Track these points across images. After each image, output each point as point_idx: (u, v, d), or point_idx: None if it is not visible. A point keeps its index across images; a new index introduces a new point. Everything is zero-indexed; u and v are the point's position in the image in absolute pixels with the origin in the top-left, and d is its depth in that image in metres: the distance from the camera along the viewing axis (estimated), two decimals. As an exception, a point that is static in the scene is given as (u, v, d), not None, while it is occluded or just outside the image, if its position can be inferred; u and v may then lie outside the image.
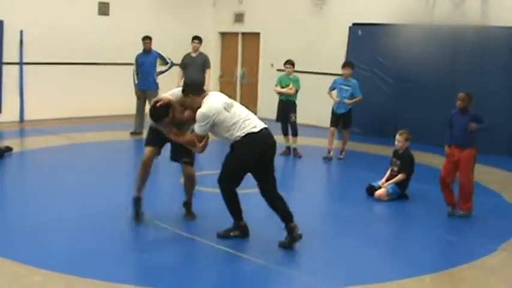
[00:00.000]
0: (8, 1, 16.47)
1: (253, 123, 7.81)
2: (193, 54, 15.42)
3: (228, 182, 8.06)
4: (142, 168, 8.40)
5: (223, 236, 8.00)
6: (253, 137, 7.74)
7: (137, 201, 8.45)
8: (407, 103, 15.75)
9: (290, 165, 13.09)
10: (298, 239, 7.74)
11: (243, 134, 7.71)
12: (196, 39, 15.52)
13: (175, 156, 8.75)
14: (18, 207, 9.31)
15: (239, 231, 8.08)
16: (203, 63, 15.41)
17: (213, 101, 7.75)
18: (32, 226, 8.27)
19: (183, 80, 15.04)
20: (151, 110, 8.06)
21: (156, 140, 8.39)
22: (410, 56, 15.59)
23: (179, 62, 15.57)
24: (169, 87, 15.72)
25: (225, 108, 7.76)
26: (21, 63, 16.93)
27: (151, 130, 8.44)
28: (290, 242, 7.73)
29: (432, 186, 10.04)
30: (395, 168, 10.35)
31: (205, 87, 14.81)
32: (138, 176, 8.47)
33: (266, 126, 7.95)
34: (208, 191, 10.38)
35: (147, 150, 8.39)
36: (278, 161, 12.80)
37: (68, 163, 12.22)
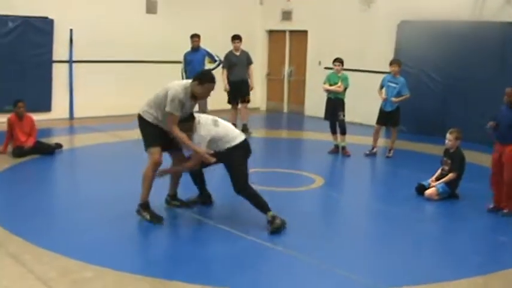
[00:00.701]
0: (58, 0, 16.65)
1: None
2: (237, 53, 15.54)
3: (247, 186, 8.38)
4: (154, 170, 8.37)
5: (275, 231, 8.02)
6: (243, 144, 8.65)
7: (148, 206, 8.41)
8: (455, 101, 15.55)
9: (338, 164, 13.03)
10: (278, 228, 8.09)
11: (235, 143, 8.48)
12: (237, 38, 15.63)
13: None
14: (68, 203, 9.41)
15: (279, 220, 8.19)
16: (247, 60, 15.65)
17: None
18: (83, 222, 8.37)
19: (226, 79, 15.16)
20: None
21: (159, 138, 8.39)
22: (459, 53, 15.43)
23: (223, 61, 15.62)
24: (218, 85, 15.92)
25: (214, 125, 8.35)
26: (70, 62, 17.13)
27: (150, 129, 8.38)
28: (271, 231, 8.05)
29: (483, 186, 9.91)
30: (446, 168, 10.22)
31: (253, 83, 15.12)
32: (148, 179, 8.37)
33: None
34: (258, 188, 10.37)
35: (156, 150, 8.33)
36: (326, 159, 12.94)
37: (116, 160, 12.33)
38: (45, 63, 16.68)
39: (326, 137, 14.09)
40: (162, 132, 8.37)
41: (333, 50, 16.33)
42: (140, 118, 8.41)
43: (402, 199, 10.07)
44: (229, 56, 15.59)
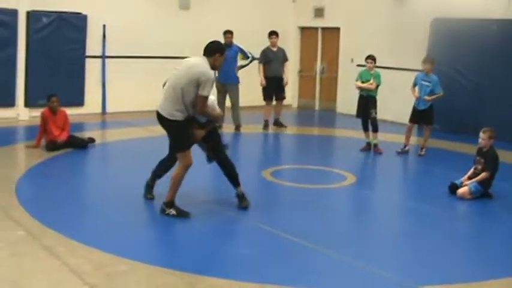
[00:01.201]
0: (92, -4, 16.82)
1: None
2: (274, 49, 15.66)
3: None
4: (185, 172, 8.38)
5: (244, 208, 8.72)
6: None
7: (174, 203, 8.43)
8: (489, 99, 15.40)
9: (370, 162, 13.00)
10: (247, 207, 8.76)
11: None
12: (274, 34, 15.79)
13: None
14: (101, 196, 9.49)
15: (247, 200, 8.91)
16: (283, 56, 15.79)
17: None
18: (116, 216, 8.46)
19: (262, 74, 15.24)
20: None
21: (190, 139, 8.46)
22: (492, 51, 15.31)
23: (259, 56, 15.68)
24: (250, 81, 16.01)
25: None
26: (103, 57, 17.24)
27: (183, 131, 8.34)
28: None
29: (517, 185, 9.87)
30: (479, 167, 10.14)
31: (286, 79, 15.23)
32: (178, 182, 8.37)
33: None
34: (289, 185, 10.43)
35: (189, 153, 8.33)
36: (358, 157, 12.92)
37: (148, 155, 12.37)
38: (79, 58, 16.81)
39: (358, 134, 14.06)
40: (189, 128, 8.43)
41: (365, 47, 16.29)
42: (169, 121, 8.21)
43: (434, 198, 10.01)
44: (266, 51, 15.72)
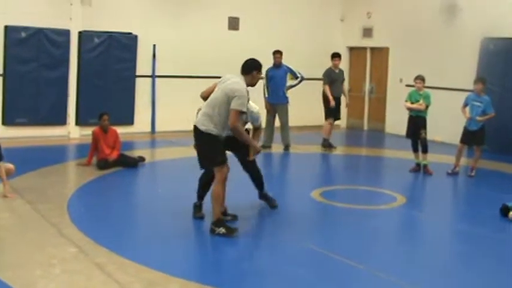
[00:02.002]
0: (142, 16, 17.04)
1: None
2: (336, 70, 15.86)
3: None
4: (224, 186, 8.44)
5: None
6: None
7: (222, 221, 8.44)
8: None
9: (420, 183, 12.88)
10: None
11: None
12: (337, 56, 15.95)
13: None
14: (151, 215, 9.55)
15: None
16: (343, 78, 16.18)
17: None
18: (166, 234, 8.50)
19: (331, 95, 15.50)
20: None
21: (225, 153, 8.55)
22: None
23: (309, 76, 15.73)
24: (300, 101, 16.03)
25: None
26: (153, 76, 17.42)
27: (218, 144, 8.41)
28: None
29: None
30: (532, 188, 10.02)
31: (346, 100, 15.26)
32: (220, 197, 8.39)
33: None
34: (339, 205, 10.40)
35: (224, 168, 8.37)
36: (408, 178, 12.82)
37: (197, 173, 12.44)
38: (129, 77, 17.02)
39: (407, 155, 13.97)
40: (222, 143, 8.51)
41: (414, 67, 16.23)
42: (203, 133, 8.31)
43: (486, 220, 9.88)
44: (330, 72, 15.85)
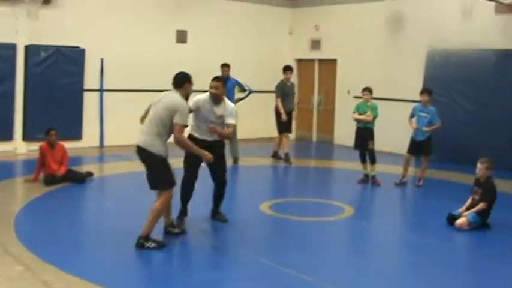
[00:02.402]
0: (90, 30, 16.88)
1: None
2: (288, 83, 15.88)
3: None
4: (166, 205, 8.63)
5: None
6: None
7: (149, 236, 8.42)
8: (486, 129, 15.47)
9: (368, 193, 12.99)
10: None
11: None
12: (289, 69, 16.01)
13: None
14: (99, 231, 9.42)
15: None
16: (293, 91, 16.20)
17: None
18: (115, 251, 8.40)
19: (282, 108, 15.52)
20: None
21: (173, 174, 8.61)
22: (489, 81, 15.42)
23: (257, 88, 15.76)
24: (248, 114, 16.03)
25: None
26: (101, 90, 17.30)
27: (167, 166, 8.48)
28: None
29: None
30: (477, 197, 10.16)
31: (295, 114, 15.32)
32: (159, 215, 8.49)
33: None
34: (288, 218, 10.43)
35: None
36: (356, 188, 12.92)
37: (146, 188, 12.37)
38: (77, 92, 16.87)
39: (355, 166, 14.08)
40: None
41: (361, 79, 16.41)
42: (154, 156, 8.32)
43: (433, 229, 10.01)
44: (282, 86, 15.87)
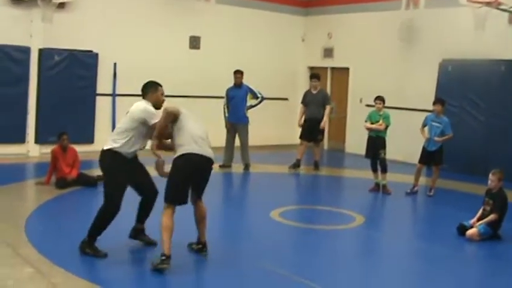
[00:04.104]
0: (103, 34, 16.96)
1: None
2: (314, 91, 15.75)
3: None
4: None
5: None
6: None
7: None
8: (498, 140, 15.44)
9: (379, 202, 12.98)
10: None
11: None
12: (315, 77, 15.92)
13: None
14: (110, 236, 9.41)
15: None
16: (323, 99, 15.78)
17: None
18: (126, 255, 8.44)
19: (303, 116, 15.31)
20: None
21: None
22: (502, 92, 15.39)
23: (270, 96, 15.78)
24: (261, 121, 16.04)
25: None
26: (114, 95, 17.34)
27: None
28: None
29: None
30: (488, 208, 10.13)
31: (324, 123, 14.94)
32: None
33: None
34: (298, 226, 10.42)
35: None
36: (367, 197, 12.89)
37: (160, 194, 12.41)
38: (89, 96, 16.93)
39: (367, 174, 14.06)
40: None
41: (374, 88, 16.37)
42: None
43: (443, 239, 9.99)
44: (305, 93, 15.93)
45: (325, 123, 15.71)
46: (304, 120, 15.79)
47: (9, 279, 7.17)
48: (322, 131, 15.94)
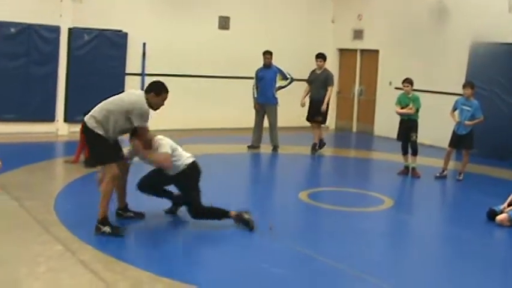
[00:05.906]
0: (133, 14, 17.00)
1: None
2: (318, 71, 15.45)
3: (199, 210, 8.61)
4: (114, 184, 8.58)
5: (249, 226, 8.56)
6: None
7: (107, 220, 8.33)
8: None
9: (408, 185, 12.91)
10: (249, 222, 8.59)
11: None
12: (319, 57, 15.48)
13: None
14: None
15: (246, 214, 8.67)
16: (325, 80, 15.33)
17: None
18: (152, 233, 8.48)
19: (308, 95, 15.12)
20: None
21: (114, 151, 8.71)
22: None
23: (299, 77, 15.71)
24: (289, 102, 16.00)
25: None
26: (143, 75, 17.38)
27: (105, 143, 8.51)
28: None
29: (557, 213, 9.69)
30: (519, 193, 10.04)
31: (324, 104, 14.76)
32: (109, 194, 8.44)
33: None
34: (326, 207, 10.38)
35: (114, 164, 8.48)
36: (396, 180, 12.82)
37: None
38: (119, 75, 16.98)
39: (395, 157, 13.99)
40: (112, 144, 8.55)
41: (404, 70, 16.21)
42: (90, 131, 8.41)
43: (472, 224, 9.90)
44: (311, 72, 15.62)
45: (325, 104, 15.21)
46: (310, 101, 15.61)
47: (39, 257, 7.21)
48: (323, 113, 15.39)
